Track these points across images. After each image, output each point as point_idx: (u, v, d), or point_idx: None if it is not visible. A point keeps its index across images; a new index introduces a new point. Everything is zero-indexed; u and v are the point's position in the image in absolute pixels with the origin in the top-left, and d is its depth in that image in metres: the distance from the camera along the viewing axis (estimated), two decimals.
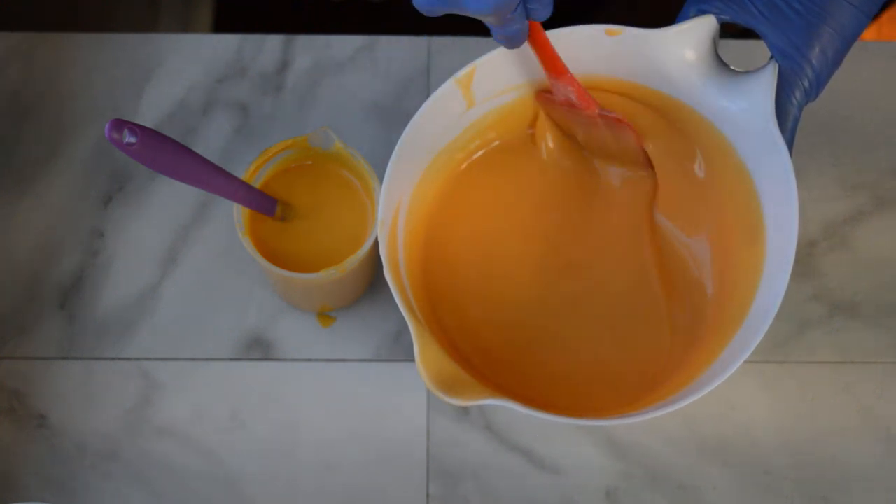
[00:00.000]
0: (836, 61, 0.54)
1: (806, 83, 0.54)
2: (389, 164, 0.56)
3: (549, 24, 0.56)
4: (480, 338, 0.61)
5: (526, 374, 0.60)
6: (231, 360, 0.67)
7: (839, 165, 0.72)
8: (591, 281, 0.63)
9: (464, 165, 0.63)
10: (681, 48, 0.56)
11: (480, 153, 0.63)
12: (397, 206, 0.58)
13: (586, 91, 0.58)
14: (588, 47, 0.57)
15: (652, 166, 0.61)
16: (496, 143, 0.63)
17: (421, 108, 0.57)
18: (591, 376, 0.60)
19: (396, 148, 0.56)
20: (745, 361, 0.67)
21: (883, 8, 0.56)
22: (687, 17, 0.56)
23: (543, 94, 0.61)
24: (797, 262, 0.70)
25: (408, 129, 0.56)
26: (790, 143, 0.54)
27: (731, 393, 0.67)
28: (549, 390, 0.60)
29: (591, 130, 0.61)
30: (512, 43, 0.51)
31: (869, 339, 0.68)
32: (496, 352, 0.61)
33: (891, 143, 0.73)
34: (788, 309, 0.69)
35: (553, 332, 0.61)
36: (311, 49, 0.75)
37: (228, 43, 0.75)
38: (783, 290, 0.51)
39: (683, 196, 0.62)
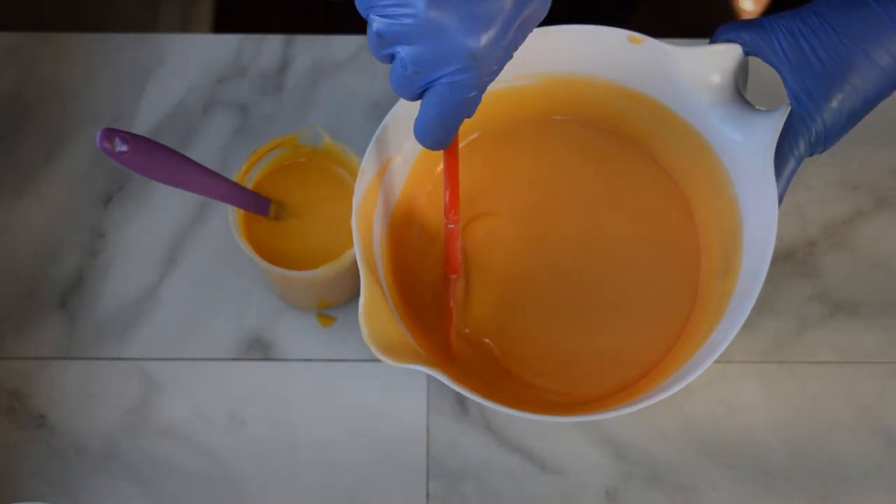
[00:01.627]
0: (851, 121, 0.52)
1: (813, 135, 0.53)
2: (384, 119, 0.56)
3: (572, 21, 0.56)
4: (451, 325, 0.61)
5: (500, 366, 0.61)
6: (231, 360, 0.67)
7: (839, 165, 0.72)
8: (574, 269, 0.63)
9: (461, 143, 0.63)
10: (701, 69, 0.56)
11: (476, 135, 0.63)
12: (386, 164, 0.58)
13: (457, 252, 0.58)
14: (607, 49, 0.58)
15: None
16: (495, 127, 0.63)
17: None
18: (572, 372, 0.61)
19: (395, 106, 0.56)
20: (745, 361, 0.68)
21: None
22: (715, 43, 0.56)
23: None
24: (797, 261, 0.70)
25: None
26: (783, 191, 0.53)
27: (731, 393, 0.67)
28: (527, 382, 0.60)
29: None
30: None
31: (869, 339, 0.68)
32: (469, 341, 0.61)
33: (891, 143, 0.73)
34: (788, 309, 0.69)
35: (534, 327, 0.62)
36: (311, 49, 0.75)
37: (228, 43, 0.75)
38: (745, 317, 0.52)
39: (674, 213, 0.63)
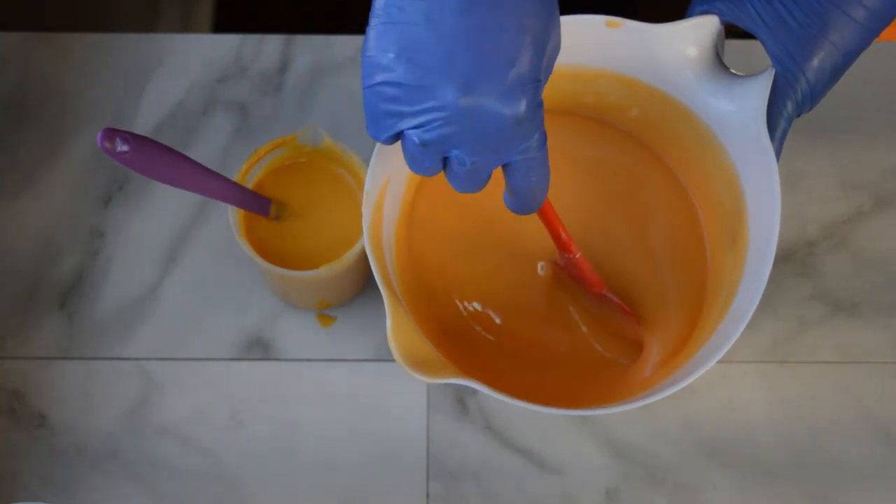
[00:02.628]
0: (834, 76, 0.53)
1: (799, 95, 0.53)
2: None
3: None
4: (464, 329, 0.61)
5: (514, 365, 0.61)
6: (231, 360, 0.67)
7: (839, 165, 0.72)
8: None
9: None
10: (682, 44, 0.56)
11: None
12: (386, 182, 0.58)
13: (594, 271, 0.59)
14: (586, 37, 0.58)
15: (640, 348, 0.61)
16: None
17: None
18: (580, 366, 0.60)
19: None
20: (745, 361, 0.68)
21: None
22: (691, 17, 0.56)
23: (551, 260, 0.62)
24: (797, 261, 0.70)
25: None
26: (777, 153, 0.54)
27: (731, 393, 0.67)
28: (537, 380, 0.60)
29: (588, 299, 0.62)
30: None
31: (869, 339, 0.68)
32: (480, 339, 0.61)
33: (891, 143, 0.73)
34: (788, 309, 0.69)
35: (544, 321, 0.62)
36: (311, 49, 0.75)
37: (228, 43, 0.75)
38: (760, 293, 0.52)
39: (673, 194, 0.63)
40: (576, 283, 0.61)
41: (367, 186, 0.56)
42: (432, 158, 0.45)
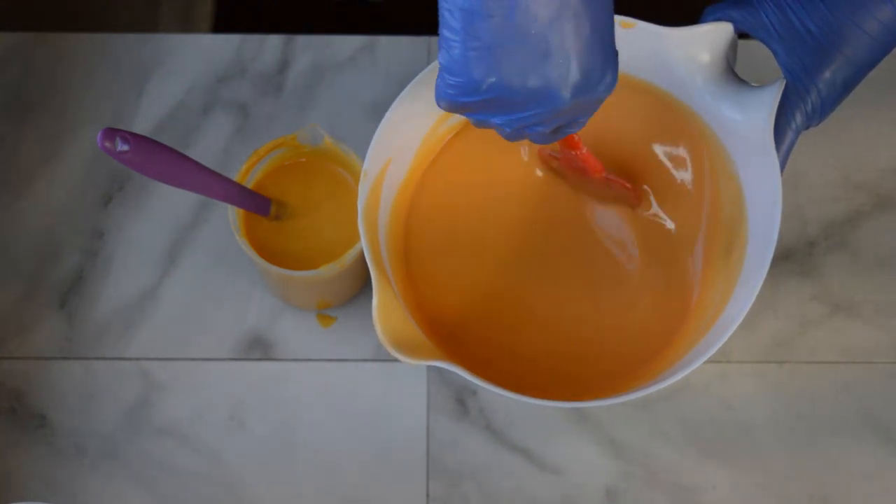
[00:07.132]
0: (846, 89, 0.53)
1: (809, 107, 0.53)
2: (383, 119, 0.56)
3: None
4: (459, 313, 0.61)
5: (506, 352, 0.61)
6: (231, 360, 0.67)
7: (839, 165, 0.72)
8: (578, 258, 0.63)
9: (458, 133, 0.63)
10: (695, 49, 0.56)
11: (464, 127, 0.63)
12: (387, 163, 0.58)
13: (594, 157, 0.59)
14: None
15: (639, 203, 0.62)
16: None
17: (424, 70, 0.57)
18: (575, 356, 0.61)
19: (393, 105, 0.56)
20: (745, 361, 0.68)
21: None
22: (704, 23, 0.56)
23: (546, 154, 0.62)
24: (797, 261, 0.70)
25: (407, 89, 0.57)
26: (782, 165, 0.54)
27: (731, 393, 0.67)
28: (533, 370, 0.60)
29: (590, 184, 0.62)
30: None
31: (869, 339, 0.68)
32: (475, 327, 0.61)
33: (891, 143, 0.73)
34: (788, 309, 0.69)
35: (538, 309, 0.62)
36: (311, 49, 0.75)
37: (228, 43, 0.75)
38: (753, 298, 0.52)
39: (673, 195, 0.63)
40: (576, 173, 0.61)
41: (365, 165, 0.56)
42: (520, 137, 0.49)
